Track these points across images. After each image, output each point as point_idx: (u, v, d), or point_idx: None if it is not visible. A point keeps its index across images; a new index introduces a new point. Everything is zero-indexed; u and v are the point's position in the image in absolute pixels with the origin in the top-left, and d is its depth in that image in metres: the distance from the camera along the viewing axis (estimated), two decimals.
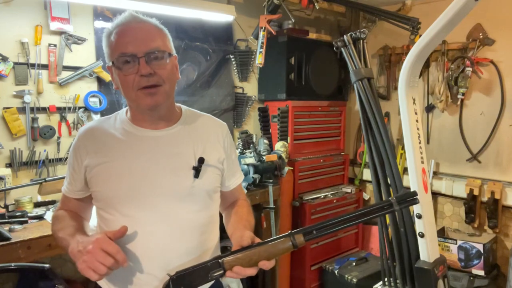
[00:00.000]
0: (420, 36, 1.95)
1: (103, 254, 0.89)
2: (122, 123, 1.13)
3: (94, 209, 1.19)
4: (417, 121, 2.05)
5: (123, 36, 1.03)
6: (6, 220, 1.74)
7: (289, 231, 0.95)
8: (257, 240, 0.97)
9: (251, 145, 2.57)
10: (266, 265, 0.93)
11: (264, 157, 2.48)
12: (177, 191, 1.07)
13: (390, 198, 0.97)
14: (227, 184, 1.24)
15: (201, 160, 1.09)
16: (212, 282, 1.01)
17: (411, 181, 2.05)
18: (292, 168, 2.72)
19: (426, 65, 2.96)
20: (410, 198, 0.97)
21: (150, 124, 1.11)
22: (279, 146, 2.66)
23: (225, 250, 1.38)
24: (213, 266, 0.93)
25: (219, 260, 0.93)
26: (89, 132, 1.13)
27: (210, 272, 0.93)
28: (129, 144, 1.09)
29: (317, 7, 2.81)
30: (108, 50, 1.06)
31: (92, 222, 1.22)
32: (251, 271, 0.93)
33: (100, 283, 1.13)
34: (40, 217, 1.85)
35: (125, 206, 1.05)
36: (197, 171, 1.08)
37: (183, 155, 1.10)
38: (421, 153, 2.03)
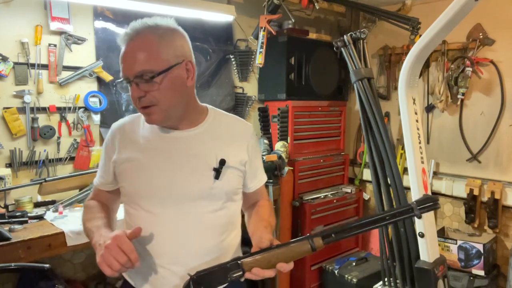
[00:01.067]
0: (420, 36, 1.95)
1: (119, 251, 0.91)
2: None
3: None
4: (417, 121, 2.05)
5: (122, 58, 1.04)
6: (6, 220, 1.74)
7: (308, 234, 0.96)
8: (276, 242, 0.98)
9: None
10: (284, 267, 0.94)
11: (264, 157, 2.48)
12: (197, 191, 1.09)
13: (410, 203, 0.95)
14: (250, 186, 1.24)
15: (222, 162, 1.10)
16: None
17: (411, 181, 2.05)
18: (292, 168, 2.72)
19: (426, 65, 2.96)
20: (431, 203, 0.95)
21: (174, 125, 1.13)
22: (279, 146, 2.66)
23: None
24: (232, 267, 0.94)
25: (238, 262, 0.94)
26: (119, 128, 1.18)
27: (229, 273, 0.94)
28: (153, 143, 1.12)
29: (317, 7, 2.81)
30: None
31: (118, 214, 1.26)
32: (270, 273, 0.94)
33: (124, 275, 1.17)
34: (40, 217, 1.85)
35: (146, 202, 1.09)
36: (217, 172, 1.10)
37: (204, 156, 1.11)
38: (421, 153, 2.03)
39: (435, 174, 3.04)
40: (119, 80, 1.07)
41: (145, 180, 1.09)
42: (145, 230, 1.06)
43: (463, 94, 2.75)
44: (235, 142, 1.17)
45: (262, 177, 1.30)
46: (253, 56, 2.86)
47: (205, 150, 1.12)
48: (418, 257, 2.10)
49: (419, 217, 0.95)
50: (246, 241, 1.21)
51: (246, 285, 1.18)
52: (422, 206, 0.94)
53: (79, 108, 2.19)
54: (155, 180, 1.09)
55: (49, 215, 1.89)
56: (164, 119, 1.07)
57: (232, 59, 2.86)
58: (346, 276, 2.63)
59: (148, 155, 1.10)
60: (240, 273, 0.93)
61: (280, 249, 0.95)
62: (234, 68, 2.88)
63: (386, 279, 2.41)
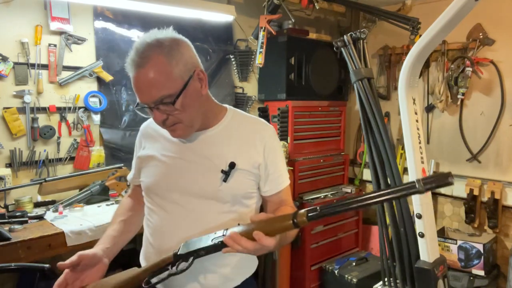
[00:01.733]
0: (420, 36, 1.95)
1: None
2: None
3: None
4: (417, 121, 2.05)
5: (134, 85, 1.04)
6: (6, 220, 1.74)
7: (294, 211, 0.93)
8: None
9: None
10: (262, 240, 0.91)
11: None
12: (203, 191, 1.11)
13: (415, 180, 0.80)
14: (265, 189, 1.19)
15: (231, 165, 1.10)
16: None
17: None
18: (292, 168, 2.72)
19: (426, 65, 2.96)
20: (441, 178, 0.77)
21: None
22: None
23: None
24: (218, 234, 0.97)
25: (225, 230, 0.96)
26: (146, 127, 1.26)
27: (213, 238, 0.97)
28: (170, 142, 1.17)
29: (317, 7, 2.81)
30: None
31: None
32: (248, 244, 0.92)
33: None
34: (40, 217, 1.85)
35: (159, 198, 1.15)
36: (226, 175, 1.10)
37: (215, 158, 1.12)
38: (421, 153, 2.03)
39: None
40: (139, 107, 1.07)
41: (158, 176, 1.15)
42: (156, 223, 1.16)
43: (463, 94, 2.75)
44: (250, 143, 1.15)
45: (282, 181, 1.20)
46: (253, 56, 2.86)
47: (217, 152, 1.13)
48: (418, 257, 2.10)
49: (422, 192, 0.77)
50: None
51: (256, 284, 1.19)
52: (427, 182, 0.78)
53: (79, 108, 2.19)
54: (167, 177, 1.14)
55: (49, 215, 1.89)
56: (189, 132, 1.11)
57: (232, 59, 2.85)
58: (346, 276, 2.63)
59: (163, 154, 1.16)
60: (222, 234, 0.96)
61: (264, 221, 0.94)
62: (234, 68, 2.88)
63: (386, 279, 2.41)
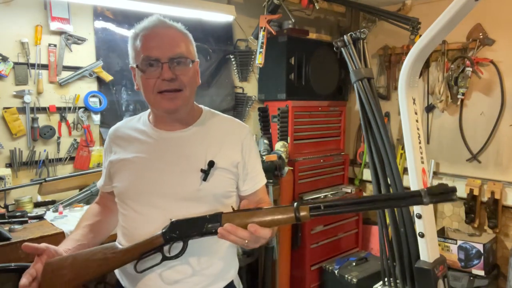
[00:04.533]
0: (420, 36, 1.95)
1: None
2: (142, 124, 1.19)
3: None
4: (417, 121, 2.05)
5: (149, 40, 1.06)
6: (6, 220, 1.74)
7: (295, 202, 0.92)
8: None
9: None
10: (259, 230, 0.90)
11: (264, 157, 2.48)
12: (183, 192, 1.08)
13: (420, 189, 0.83)
14: (244, 188, 1.19)
15: (210, 164, 1.09)
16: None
17: (411, 181, 2.05)
18: (292, 168, 2.72)
19: (426, 65, 2.96)
20: (446, 192, 0.80)
21: (167, 125, 1.15)
22: (279, 146, 2.66)
23: None
24: (211, 219, 0.95)
25: (220, 214, 0.94)
26: (115, 131, 1.22)
27: (205, 224, 0.94)
28: (145, 144, 1.14)
29: (317, 7, 2.81)
30: (133, 52, 1.10)
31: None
32: (244, 233, 0.91)
33: (116, 275, 1.17)
34: (40, 217, 1.85)
35: (135, 203, 1.10)
36: (205, 174, 1.08)
37: (193, 157, 1.11)
38: (421, 153, 2.03)
39: (435, 174, 3.04)
40: (146, 62, 1.05)
41: (134, 180, 1.10)
42: (133, 228, 1.10)
43: (463, 94, 2.75)
44: (228, 143, 1.15)
45: (259, 180, 1.22)
46: (253, 56, 2.86)
47: (195, 152, 1.12)
48: (418, 257, 2.10)
49: (428, 203, 0.82)
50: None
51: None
52: (433, 194, 0.80)
53: (79, 108, 2.19)
54: (143, 180, 1.10)
55: (49, 215, 1.89)
56: (183, 106, 1.10)
57: (232, 59, 2.85)
58: (346, 276, 2.63)
59: (139, 156, 1.12)
60: (217, 224, 0.94)
61: (262, 211, 0.92)
62: (234, 68, 2.88)
63: (386, 279, 2.41)
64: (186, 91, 1.08)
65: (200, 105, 1.23)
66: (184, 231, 0.97)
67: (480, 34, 2.72)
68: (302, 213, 0.88)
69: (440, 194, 0.81)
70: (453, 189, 0.80)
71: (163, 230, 0.98)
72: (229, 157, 1.14)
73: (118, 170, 1.14)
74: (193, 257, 1.08)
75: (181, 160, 1.11)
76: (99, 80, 2.26)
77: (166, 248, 1.00)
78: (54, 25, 2.06)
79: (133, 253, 0.99)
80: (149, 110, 1.21)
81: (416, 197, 0.82)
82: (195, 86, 1.14)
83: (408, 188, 2.12)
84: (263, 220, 0.91)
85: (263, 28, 2.57)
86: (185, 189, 1.08)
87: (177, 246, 0.99)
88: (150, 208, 1.08)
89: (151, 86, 1.06)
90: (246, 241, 0.92)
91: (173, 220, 0.98)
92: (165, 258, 0.99)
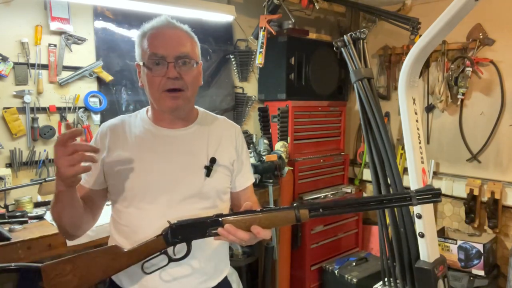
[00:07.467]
0: (420, 36, 1.95)
1: (64, 146, 0.92)
2: (142, 121, 1.19)
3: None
4: (417, 121, 2.05)
5: (156, 38, 1.09)
6: (6, 220, 1.74)
7: (295, 204, 0.96)
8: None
9: (251, 145, 2.57)
10: (261, 233, 0.95)
11: (264, 157, 2.48)
12: (188, 188, 1.12)
13: (409, 191, 0.93)
14: (236, 185, 1.25)
15: (213, 160, 1.14)
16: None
17: (411, 181, 2.05)
18: (292, 168, 2.72)
19: (426, 65, 2.96)
20: (431, 194, 0.91)
21: (168, 123, 1.17)
22: (279, 146, 2.66)
23: None
24: (212, 223, 0.97)
25: (220, 219, 0.96)
26: (110, 128, 1.18)
27: (208, 229, 0.97)
28: (147, 141, 1.15)
29: (317, 7, 2.81)
30: (140, 50, 1.12)
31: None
32: (244, 235, 0.95)
33: (112, 277, 1.15)
34: (40, 217, 1.85)
35: (138, 200, 1.11)
36: (208, 170, 1.12)
37: (196, 154, 1.15)
38: (421, 153, 2.03)
39: (435, 174, 3.04)
40: (152, 59, 1.07)
41: (138, 178, 1.11)
42: (135, 226, 1.10)
43: (463, 94, 2.75)
44: (224, 141, 1.21)
45: (250, 177, 1.29)
46: (253, 56, 2.86)
47: (197, 149, 1.16)
48: (418, 257, 2.10)
49: (415, 205, 0.93)
50: None
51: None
52: (421, 196, 0.91)
53: (79, 108, 2.19)
54: (148, 178, 1.11)
55: (49, 215, 1.88)
56: (184, 106, 1.13)
57: (232, 59, 2.85)
58: (346, 276, 2.63)
59: (141, 154, 1.13)
60: (219, 227, 0.96)
61: (263, 214, 0.95)
62: (234, 68, 2.88)
63: (386, 279, 2.41)
64: (188, 91, 1.11)
65: (195, 106, 1.25)
66: (187, 234, 1.00)
67: (480, 34, 2.72)
68: (302, 214, 0.93)
69: (427, 195, 0.91)
70: (439, 191, 0.91)
71: (163, 233, 1.01)
72: (226, 155, 1.20)
73: (117, 169, 1.12)
74: (190, 255, 1.08)
75: (184, 157, 1.14)
76: (99, 80, 2.26)
77: (170, 249, 1.02)
78: (54, 25, 2.06)
79: (138, 256, 1.02)
80: (145, 108, 1.23)
81: (406, 199, 0.92)
82: (197, 87, 1.16)
83: (408, 188, 2.11)
84: (267, 223, 0.94)
85: (263, 28, 2.57)
86: (189, 185, 1.12)
87: (181, 245, 1.02)
88: (153, 204, 1.10)
89: (157, 84, 1.08)
90: (244, 241, 0.97)
91: (172, 224, 1.00)
92: (171, 260, 1.02)
